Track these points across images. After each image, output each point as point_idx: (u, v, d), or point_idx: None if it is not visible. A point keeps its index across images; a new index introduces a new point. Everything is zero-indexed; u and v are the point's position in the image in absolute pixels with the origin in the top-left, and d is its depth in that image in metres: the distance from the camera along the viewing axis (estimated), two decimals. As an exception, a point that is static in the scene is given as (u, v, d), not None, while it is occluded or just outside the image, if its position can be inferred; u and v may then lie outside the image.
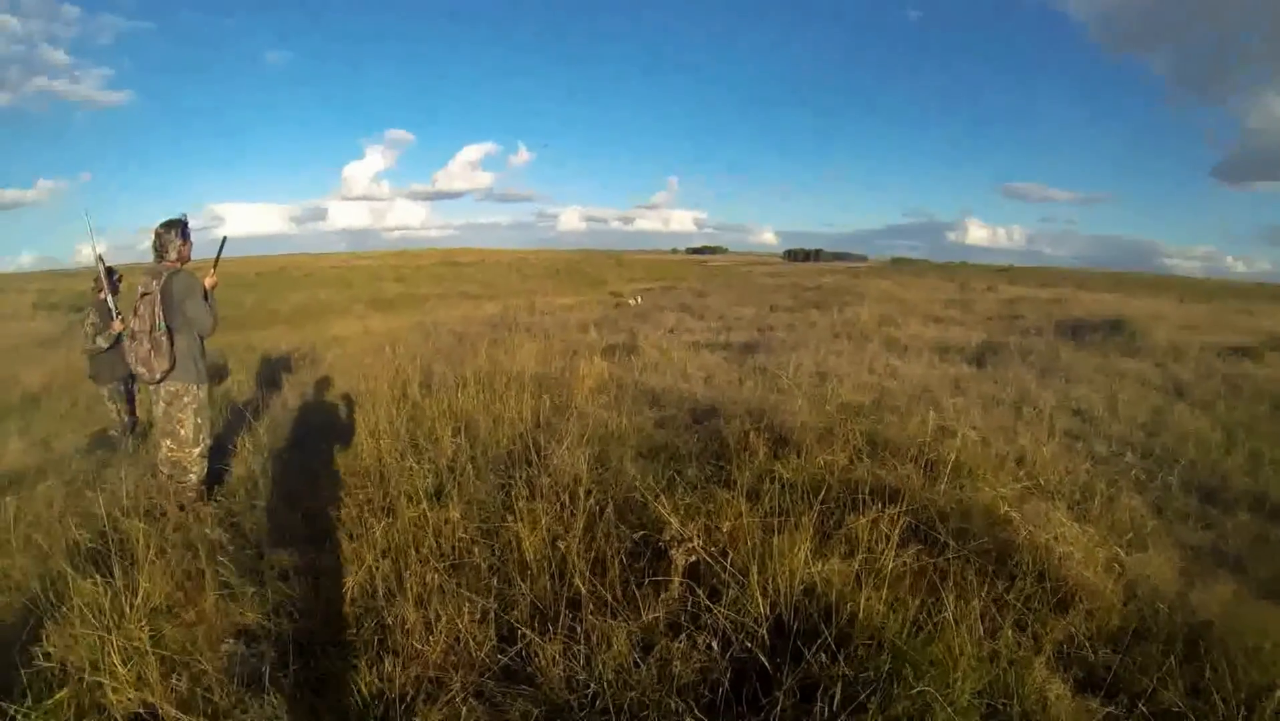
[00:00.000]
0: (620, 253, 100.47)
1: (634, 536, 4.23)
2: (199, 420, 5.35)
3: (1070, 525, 4.35)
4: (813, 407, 6.67)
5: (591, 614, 3.57)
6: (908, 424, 6.30)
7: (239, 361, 12.01)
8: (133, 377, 7.31)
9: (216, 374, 7.71)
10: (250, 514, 5.15)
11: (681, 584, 3.73)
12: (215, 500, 5.40)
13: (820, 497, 4.49)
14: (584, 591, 3.73)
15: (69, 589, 3.74)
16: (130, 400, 7.67)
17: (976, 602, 3.43)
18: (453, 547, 4.35)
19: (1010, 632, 3.39)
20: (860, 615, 3.35)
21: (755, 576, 3.59)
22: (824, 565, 3.73)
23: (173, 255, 5.20)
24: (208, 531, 4.78)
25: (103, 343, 6.97)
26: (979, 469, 5.19)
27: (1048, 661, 3.34)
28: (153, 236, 5.21)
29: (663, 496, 4.45)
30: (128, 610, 3.58)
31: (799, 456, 5.29)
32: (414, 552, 4.23)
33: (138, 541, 4.25)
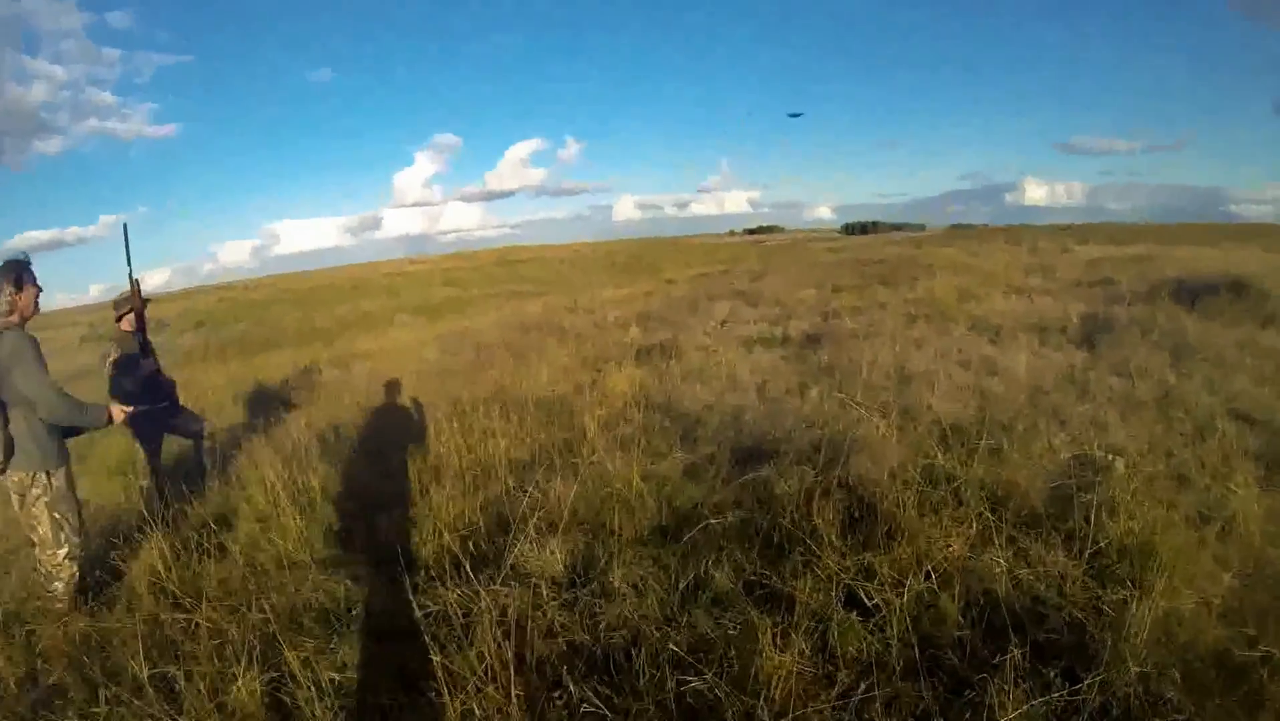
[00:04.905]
0: (677, 239, 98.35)
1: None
2: (57, 514, 4.06)
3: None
4: (900, 436, 4.87)
5: None
6: (1031, 449, 4.60)
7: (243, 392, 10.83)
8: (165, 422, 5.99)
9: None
10: (122, 632, 3.75)
11: None
12: (92, 610, 4.07)
13: (929, 638, 2.86)
14: None
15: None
16: (154, 452, 6.10)
17: None
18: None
19: None
20: None
21: None
22: None
23: (3, 308, 3.88)
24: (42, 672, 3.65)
25: (131, 386, 5.49)
26: (1163, 544, 3.32)
27: None
28: None
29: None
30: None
31: (890, 538, 3.53)
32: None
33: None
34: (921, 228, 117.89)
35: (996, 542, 3.40)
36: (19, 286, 3.89)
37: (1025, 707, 2.43)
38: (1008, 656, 2.60)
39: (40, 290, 4.03)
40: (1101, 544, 3.34)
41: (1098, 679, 2.53)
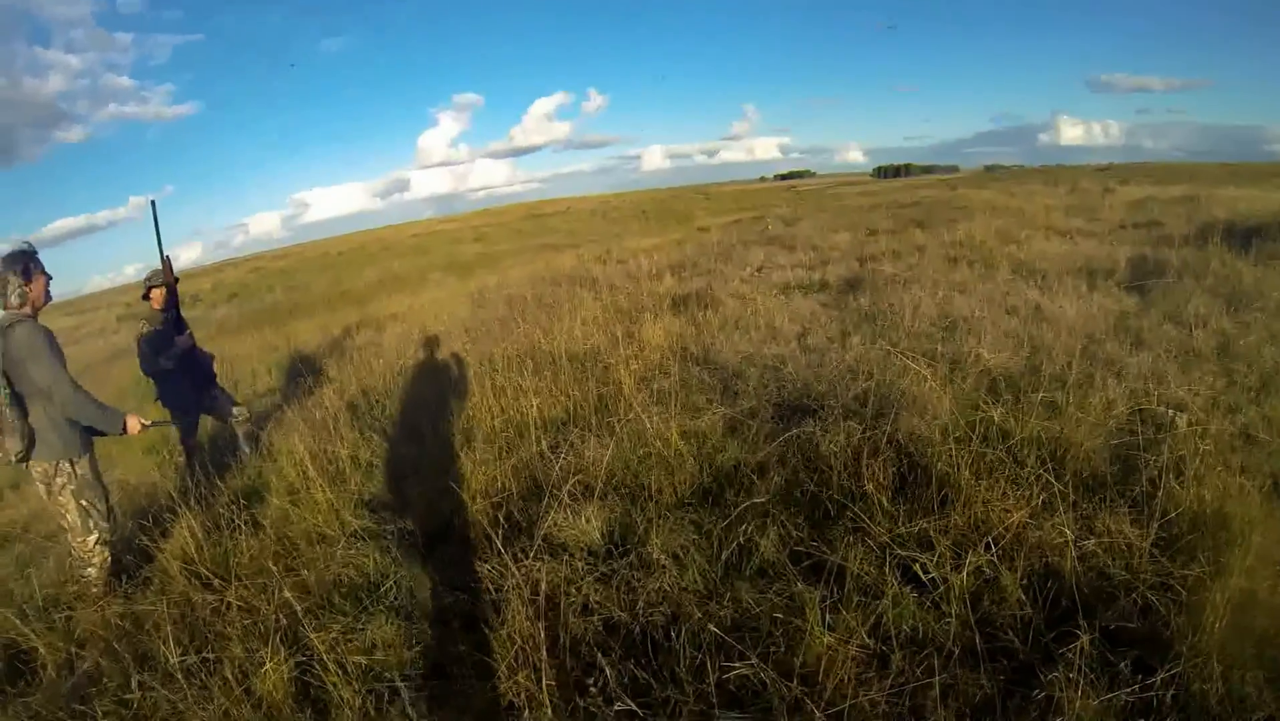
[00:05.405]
0: (708, 186, 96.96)
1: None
2: (84, 502, 4.04)
3: None
4: (948, 388, 4.64)
5: None
6: (1088, 403, 4.26)
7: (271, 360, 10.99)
8: (201, 400, 5.92)
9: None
10: (156, 615, 3.65)
11: None
12: (126, 593, 4.02)
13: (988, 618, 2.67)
14: None
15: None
16: (189, 430, 6.07)
17: None
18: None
19: None
20: None
21: None
22: None
23: (14, 300, 3.83)
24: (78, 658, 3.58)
25: (166, 363, 5.50)
26: (1237, 514, 3.05)
27: None
28: None
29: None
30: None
31: (944, 503, 3.32)
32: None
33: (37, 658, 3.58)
34: (955, 169, 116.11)
35: (1059, 509, 3.14)
36: (28, 277, 3.84)
37: (1095, 702, 2.23)
38: (1076, 644, 2.39)
39: (50, 278, 3.97)
40: (1171, 513, 3.08)
41: (1173, 673, 2.31)
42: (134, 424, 4.07)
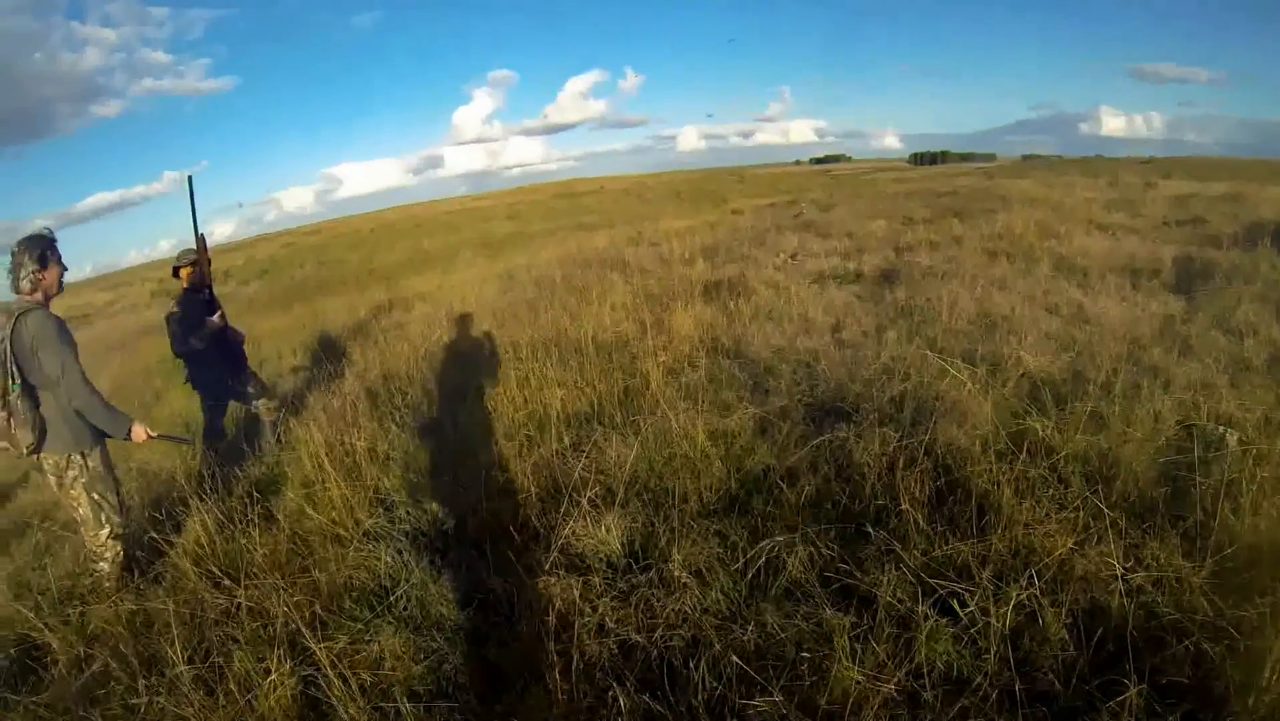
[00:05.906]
0: (743, 168, 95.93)
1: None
2: (95, 495, 3.97)
3: None
4: (987, 392, 4.45)
5: None
6: (1134, 415, 4.05)
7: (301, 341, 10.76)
8: (230, 385, 5.81)
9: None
10: (166, 614, 3.50)
11: None
12: (139, 588, 3.94)
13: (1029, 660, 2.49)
14: None
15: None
16: (217, 413, 5.96)
17: None
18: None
19: None
20: None
21: None
22: None
23: (25, 284, 3.76)
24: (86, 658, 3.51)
25: (197, 344, 5.41)
26: None
27: None
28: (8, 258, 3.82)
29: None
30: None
31: (983, 526, 3.14)
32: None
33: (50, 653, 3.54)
34: (992, 158, 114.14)
35: (1108, 537, 2.92)
36: (43, 264, 3.78)
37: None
38: (1125, 696, 2.21)
39: (65, 269, 3.92)
40: (1226, 546, 2.85)
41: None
42: (139, 432, 3.98)
